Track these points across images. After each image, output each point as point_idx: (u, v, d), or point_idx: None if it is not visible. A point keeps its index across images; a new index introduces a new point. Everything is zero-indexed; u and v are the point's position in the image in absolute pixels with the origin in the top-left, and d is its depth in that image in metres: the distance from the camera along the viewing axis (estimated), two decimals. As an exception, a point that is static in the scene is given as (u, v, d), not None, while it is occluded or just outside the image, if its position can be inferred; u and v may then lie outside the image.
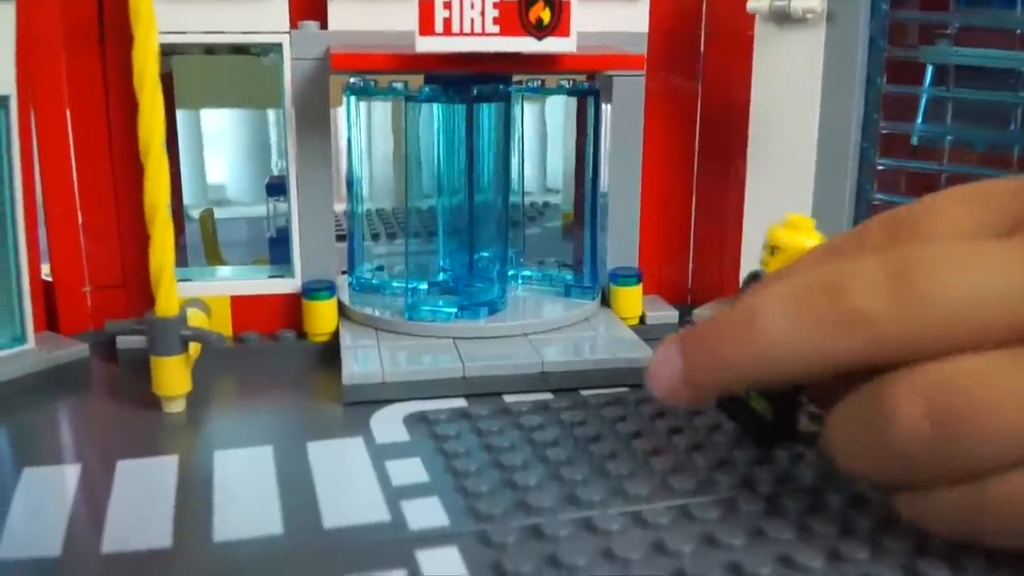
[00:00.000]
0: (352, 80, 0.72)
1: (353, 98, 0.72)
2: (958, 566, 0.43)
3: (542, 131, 1.07)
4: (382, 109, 0.75)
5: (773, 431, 0.55)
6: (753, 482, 0.52)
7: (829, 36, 0.69)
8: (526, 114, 0.78)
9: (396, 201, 0.77)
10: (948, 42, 0.68)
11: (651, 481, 0.52)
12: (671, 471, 0.53)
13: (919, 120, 0.71)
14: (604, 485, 0.51)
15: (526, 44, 0.61)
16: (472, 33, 0.60)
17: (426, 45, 0.60)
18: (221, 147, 1.33)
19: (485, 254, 0.73)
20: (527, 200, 0.98)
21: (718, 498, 0.50)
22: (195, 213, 0.90)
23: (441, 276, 0.74)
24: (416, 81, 0.70)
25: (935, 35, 0.70)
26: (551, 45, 0.62)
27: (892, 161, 0.70)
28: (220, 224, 0.88)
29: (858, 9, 0.68)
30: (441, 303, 0.70)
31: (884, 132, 0.69)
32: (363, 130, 0.74)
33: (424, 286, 0.71)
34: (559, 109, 0.91)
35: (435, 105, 0.69)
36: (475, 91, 0.68)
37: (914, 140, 0.71)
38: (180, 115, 0.80)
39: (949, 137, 0.69)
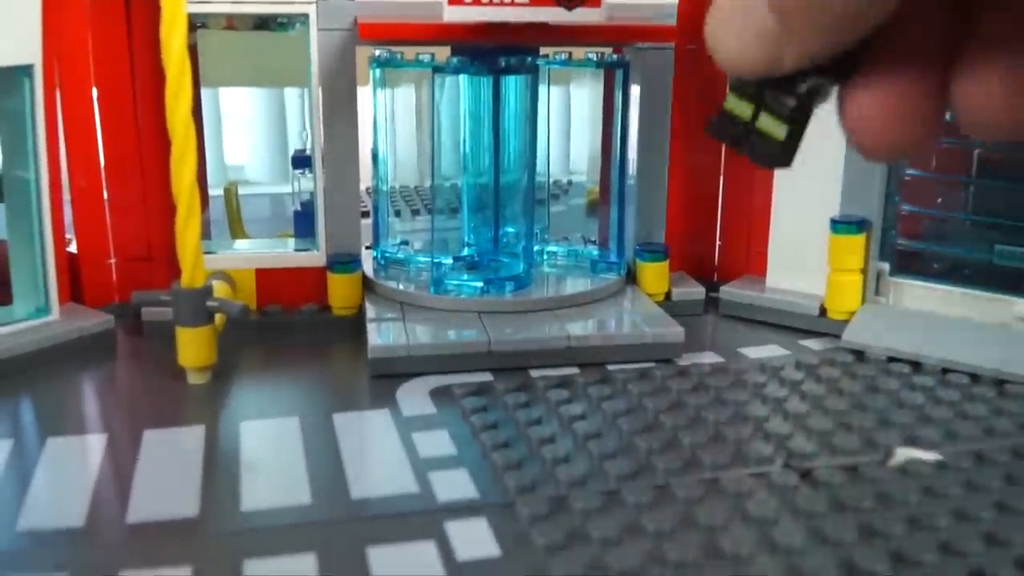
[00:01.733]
0: (378, 52, 0.71)
1: (379, 71, 0.72)
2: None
3: (566, 108, 1.06)
4: (407, 83, 0.74)
5: (785, 150, 0.53)
6: (786, 455, 0.51)
7: None
8: (552, 91, 0.77)
9: (420, 177, 0.76)
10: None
11: (680, 455, 0.51)
12: (700, 445, 0.52)
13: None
14: (632, 458, 0.51)
15: (556, 14, 0.61)
16: (501, 3, 0.60)
17: (454, 15, 0.60)
18: (240, 127, 1.33)
19: (511, 229, 0.72)
20: (551, 178, 0.97)
21: (749, 472, 0.50)
22: (217, 191, 0.89)
23: (466, 251, 0.73)
24: (442, 54, 0.69)
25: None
26: (581, 16, 0.61)
27: (924, 136, 0.69)
28: (242, 202, 0.87)
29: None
30: (467, 277, 0.70)
31: (916, 107, 0.68)
32: (388, 105, 0.73)
33: (449, 261, 0.71)
34: (585, 84, 0.90)
35: (462, 77, 0.69)
36: (502, 63, 0.67)
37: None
38: (203, 93, 0.79)
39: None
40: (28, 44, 0.63)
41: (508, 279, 0.70)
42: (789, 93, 0.46)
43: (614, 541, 0.43)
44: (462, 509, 0.47)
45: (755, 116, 0.48)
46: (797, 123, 0.50)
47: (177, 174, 0.58)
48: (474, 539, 0.44)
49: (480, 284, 0.69)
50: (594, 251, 0.77)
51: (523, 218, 0.72)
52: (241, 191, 0.87)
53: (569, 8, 0.60)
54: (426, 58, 0.70)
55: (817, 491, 0.48)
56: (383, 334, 0.64)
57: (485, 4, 0.60)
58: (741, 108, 0.41)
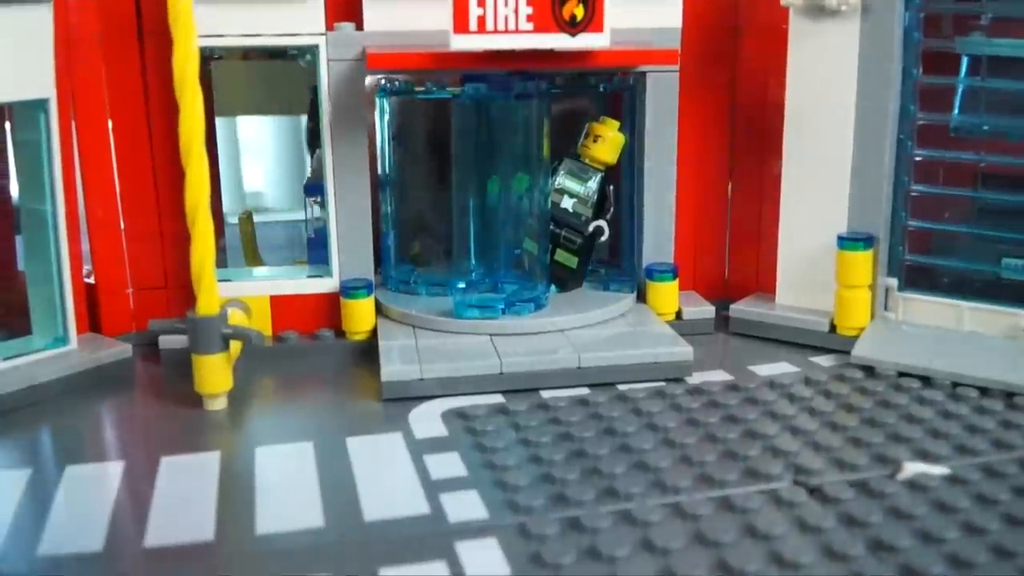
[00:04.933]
0: (384, 80, 0.73)
1: (385, 99, 0.73)
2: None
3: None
4: (415, 109, 0.75)
5: (576, 275, 0.75)
6: (798, 473, 0.52)
7: (864, 28, 0.68)
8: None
9: (430, 200, 0.77)
10: (982, 33, 0.68)
11: (691, 472, 0.52)
12: (711, 463, 0.53)
13: (955, 111, 0.71)
14: (643, 477, 0.51)
15: (560, 40, 0.61)
16: (506, 30, 0.61)
17: (461, 43, 0.61)
18: (258, 155, 1.34)
19: (528, 250, 0.73)
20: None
21: (760, 489, 0.50)
22: (233, 219, 0.90)
23: (480, 274, 0.74)
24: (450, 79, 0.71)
25: (969, 26, 0.69)
26: (585, 41, 0.62)
27: (929, 152, 0.70)
28: (257, 230, 0.89)
29: (893, 1, 0.67)
30: (487, 301, 0.70)
31: (921, 123, 0.69)
32: (396, 130, 0.74)
33: (462, 285, 0.72)
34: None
35: (472, 103, 0.70)
36: (517, 88, 0.69)
37: (951, 131, 0.71)
38: (219, 122, 0.81)
39: (985, 127, 0.69)
40: (42, 79, 0.64)
41: (527, 301, 0.71)
42: (579, 232, 0.73)
43: (625, 560, 0.44)
44: (473, 530, 0.47)
45: (553, 251, 0.71)
46: (583, 255, 0.73)
47: (192, 205, 0.59)
48: (485, 560, 0.45)
49: (501, 307, 0.70)
50: (602, 269, 0.79)
51: (541, 239, 0.72)
52: (257, 218, 0.88)
53: (573, 34, 0.61)
54: (434, 86, 0.71)
55: (826, 506, 0.48)
56: (395, 359, 0.65)
57: (491, 32, 0.61)
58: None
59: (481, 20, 0.60)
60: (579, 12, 0.61)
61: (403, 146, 0.75)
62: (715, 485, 0.51)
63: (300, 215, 0.97)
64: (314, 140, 0.81)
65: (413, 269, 0.77)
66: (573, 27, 0.61)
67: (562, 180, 0.75)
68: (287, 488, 0.52)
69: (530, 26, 0.61)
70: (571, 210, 0.75)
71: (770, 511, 0.48)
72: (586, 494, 0.50)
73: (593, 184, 0.75)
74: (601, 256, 0.79)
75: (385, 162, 0.75)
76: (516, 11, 0.61)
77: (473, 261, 0.74)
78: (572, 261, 0.75)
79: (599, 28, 0.61)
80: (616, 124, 0.75)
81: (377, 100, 0.73)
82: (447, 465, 0.54)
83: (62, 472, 0.54)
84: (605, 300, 0.74)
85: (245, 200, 1.32)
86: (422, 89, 0.73)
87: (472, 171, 0.72)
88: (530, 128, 0.70)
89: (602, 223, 0.75)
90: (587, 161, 0.75)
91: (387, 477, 0.53)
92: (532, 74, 0.70)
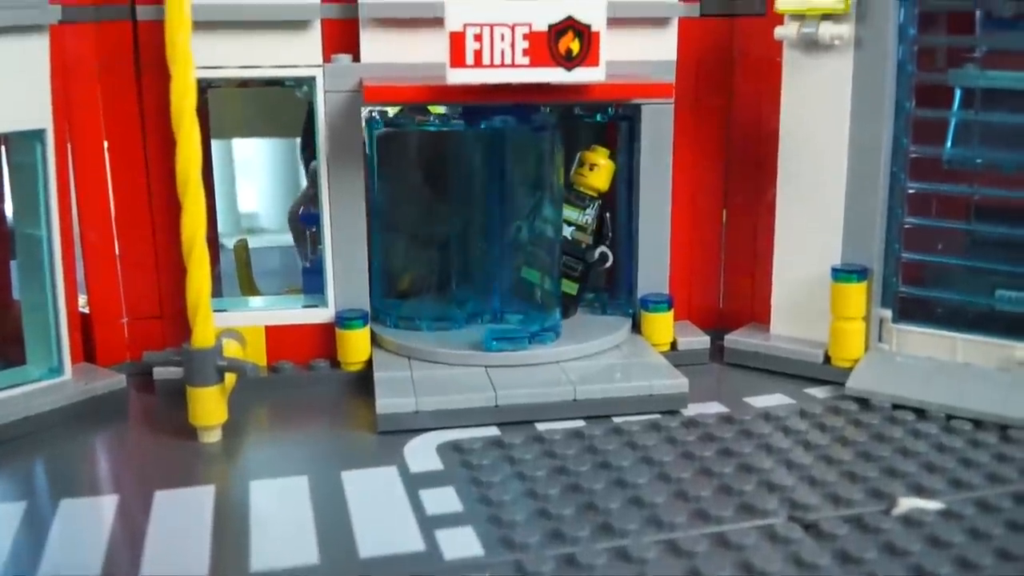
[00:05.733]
0: (374, 112, 0.73)
1: (377, 129, 0.73)
2: None
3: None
4: (409, 140, 0.75)
5: (575, 301, 0.77)
6: (794, 507, 0.52)
7: (857, 61, 0.69)
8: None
9: (427, 231, 0.76)
10: (976, 65, 0.68)
11: (686, 508, 0.52)
12: (707, 498, 0.53)
13: (948, 143, 0.71)
14: (638, 514, 0.51)
15: (556, 75, 0.62)
16: (503, 65, 0.61)
17: (457, 77, 0.61)
18: (253, 175, 1.34)
19: (537, 282, 0.73)
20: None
21: (755, 525, 0.50)
22: (228, 242, 0.90)
23: (485, 306, 0.75)
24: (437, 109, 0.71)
25: (963, 58, 0.70)
26: (581, 75, 0.62)
27: (923, 185, 0.70)
28: (252, 252, 0.89)
29: (886, 34, 0.68)
30: (511, 333, 0.70)
31: (914, 156, 0.69)
32: (387, 161, 0.74)
33: (461, 316, 0.72)
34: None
35: (471, 134, 0.71)
36: (511, 121, 0.69)
37: (945, 164, 0.71)
38: (214, 144, 0.81)
39: (979, 160, 0.69)
40: (39, 109, 0.64)
41: (548, 330, 0.71)
42: (580, 259, 0.76)
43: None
44: (468, 567, 0.47)
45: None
46: (583, 282, 0.76)
47: (188, 237, 0.59)
48: (481, 597, 0.45)
49: (526, 338, 0.70)
50: (596, 298, 0.79)
51: (553, 269, 0.73)
52: (252, 242, 0.88)
53: (569, 69, 0.62)
54: (430, 118, 0.72)
55: (821, 542, 0.48)
56: (390, 391, 0.65)
57: (487, 66, 0.61)
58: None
59: (478, 54, 0.61)
60: (575, 47, 0.61)
61: (406, 178, 0.75)
62: (711, 521, 0.51)
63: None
64: (308, 152, 0.81)
65: (418, 303, 0.76)
66: (569, 62, 0.62)
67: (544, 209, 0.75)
68: (282, 524, 0.52)
69: (526, 60, 0.61)
70: (571, 238, 0.75)
71: (766, 548, 0.48)
72: (582, 530, 0.50)
73: (591, 212, 0.75)
74: (597, 284, 0.80)
75: (376, 193, 0.74)
76: (513, 45, 0.61)
77: (481, 293, 0.74)
78: (573, 288, 0.76)
79: (595, 63, 0.62)
80: (607, 152, 0.76)
81: (366, 130, 0.73)
82: (442, 500, 0.54)
83: (57, 505, 0.54)
84: (600, 330, 0.74)
85: (240, 221, 1.32)
86: (430, 120, 0.73)
87: (483, 203, 0.73)
88: (548, 159, 0.71)
89: (606, 249, 0.76)
90: (582, 189, 0.75)
91: (382, 513, 0.53)
92: (533, 107, 0.71)
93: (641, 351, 0.73)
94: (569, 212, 0.75)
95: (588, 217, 0.75)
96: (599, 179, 0.75)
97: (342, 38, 0.70)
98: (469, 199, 0.73)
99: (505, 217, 0.73)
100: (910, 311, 0.71)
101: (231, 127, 1.07)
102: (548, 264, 0.73)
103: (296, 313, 0.73)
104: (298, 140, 0.95)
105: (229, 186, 1.30)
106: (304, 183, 0.88)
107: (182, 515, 0.53)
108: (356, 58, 0.70)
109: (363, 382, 0.70)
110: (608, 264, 0.77)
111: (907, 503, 0.52)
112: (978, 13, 0.67)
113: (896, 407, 0.65)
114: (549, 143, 0.72)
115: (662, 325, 0.75)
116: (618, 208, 0.78)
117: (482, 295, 0.75)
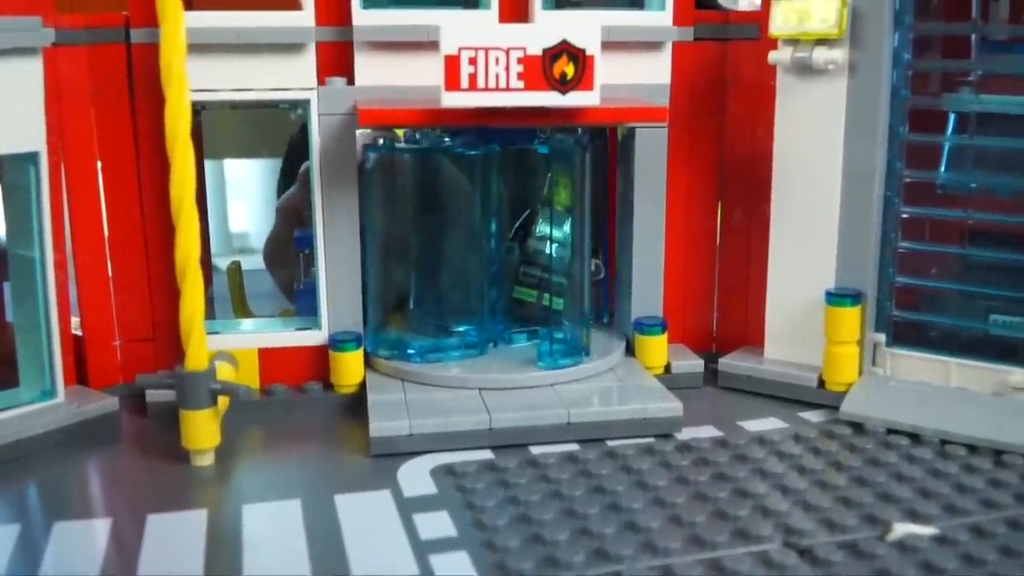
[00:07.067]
0: (374, 138, 0.73)
1: (371, 153, 0.73)
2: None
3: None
4: (401, 163, 0.75)
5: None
6: (789, 533, 0.52)
7: (851, 86, 0.69)
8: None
9: (419, 255, 0.76)
10: (970, 90, 0.69)
11: (681, 533, 0.52)
12: (701, 524, 0.53)
13: (942, 168, 0.71)
14: (633, 539, 0.51)
15: (550, 99, 0.62)
16: (497, 88, 0.61)
17: (451, 100, 0.61)
18: (245, 196, 1.34)
19: (560, 307, 0.74)
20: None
21: (750, 551, 0.50)
22: (220, 263, 0.90)
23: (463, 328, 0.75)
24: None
25: (957, 83, 0.70)
26: (575, 99, 0.62)
27: (917, 209, 0.70)
28: (245, 273, 0.89)
29: (880, 59, 0.68)
30: (557, 352, 0.71)
31: (908, 180, 0.70)
32: (380, 184, 0.73)
33: (454, 340, 0.72)
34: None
35: (467, 156, 0.71)
36: (507, 145, 0.69)
37: (938, 188, 0.72)
38: (207, 165, 0.81)
39: (973, 184, 0.69)
40: (32, 132, 0.64)
41: (579, 349, 0.72)
42: (535, 266, 0.75)
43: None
44: (463, 593, 0.47)
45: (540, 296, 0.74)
46: (542, 289, 0.74)
47: (182, 260, 0.59)
48: (475, 624, 0.45)
49: (570, 361, 0.71)
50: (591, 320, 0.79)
51: (566, 292, 0.74)
52: (244, 263, 0.88)
53: (563, 92, 0.62)
54: (423, 140, 0.72)
55: (816, 568, 0.48)
56: (384, 414, 0.65)
57: (481, 90, 0.61)
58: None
59: (472, 78, 0.61)
60: (569, 71, 0.61)
61: (403, 202, 0.74)
62: (705, 547, 0.51)
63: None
64: (287, 179, 0.82)
65: (402, 322, 0.76)
66: (563, 85, 0.62)
67: (543, 228, 0.75)
68: (275, 548, 0.52)
69: (521, 84, 0.61)
70: (555, 255, 0.75)
71: (761, 574, 0.48)
72: (576, 555, 0.49)
73: (567, 228, 0.75)
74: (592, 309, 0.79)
75: (369, 216, 0.74)
76: (507, 69, 0.61)
77: (478, 318, 0.74)
78: (560, 304, 0.76)
79: (589, 86, 0.62)
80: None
81: (361, 154, 0.72)
82: (436, 525, 0.54)
83: (50, 528, 0.54)
84: (594, 352, 0.74)
85: (231, 241, 1.32)
86: (407, 144, 0.73)
87: (489, 225, 0.74)
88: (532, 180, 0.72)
89: (598, 261, 0.77)
90: (559, 208, 0.75)
91: (376, 537, 0.53)
92: (526, 131, 0.71)
93: (635, 374, 0.73)
94: (553, 230, 0.75)
95: (567, 234, 0.75)
96: (565, 195, 0.75)
97: (336, 61, 0.70)
98: (466, 222, 0.73)
99: (500, 238, 0.73)
100: (904, 335, 0.71)
101: (224, 148, 1.07)
102: (544, 282, 0.73)
103: (289, 336, 0.73)
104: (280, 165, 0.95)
105: (221, 206, 1.30)
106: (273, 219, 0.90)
107: (175, 539, 0.53)
108: (350, 81, 0.70)
109: (356, 405, 0.70)
110: (601, 276, 0.77)
111: (902, 528, 0.52)
112: (973, 37, 0.67)
113: (890, 431, 0.65)
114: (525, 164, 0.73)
115: (656, 348, 0.75)
116: (617, 230, 0.79)
117: (480, 320, 0.74)
